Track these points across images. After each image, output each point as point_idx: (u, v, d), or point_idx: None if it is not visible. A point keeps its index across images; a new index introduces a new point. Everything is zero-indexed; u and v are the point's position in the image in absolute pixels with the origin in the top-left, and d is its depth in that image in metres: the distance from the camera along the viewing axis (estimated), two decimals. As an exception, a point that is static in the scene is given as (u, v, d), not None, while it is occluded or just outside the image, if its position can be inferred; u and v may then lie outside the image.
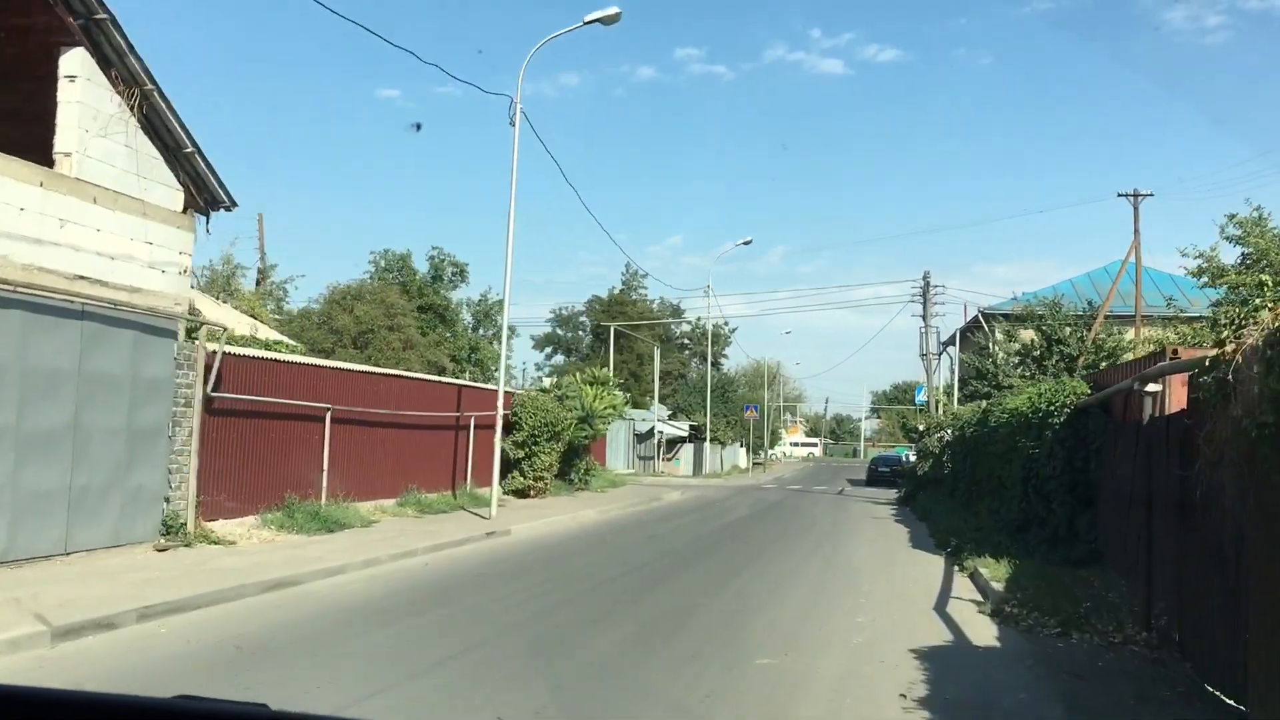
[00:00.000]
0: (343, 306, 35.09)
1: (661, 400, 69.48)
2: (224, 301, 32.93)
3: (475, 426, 21.86)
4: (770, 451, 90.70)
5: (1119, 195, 39.16)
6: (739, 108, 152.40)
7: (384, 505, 17.86)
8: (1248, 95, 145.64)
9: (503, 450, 23.64)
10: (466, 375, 40.89)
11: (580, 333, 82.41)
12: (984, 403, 24.76)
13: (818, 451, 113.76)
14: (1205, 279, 20.79)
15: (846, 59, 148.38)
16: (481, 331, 66.51)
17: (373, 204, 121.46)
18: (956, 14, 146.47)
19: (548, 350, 78.33)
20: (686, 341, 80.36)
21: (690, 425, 48.87)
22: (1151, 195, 38.99)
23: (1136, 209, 38.57)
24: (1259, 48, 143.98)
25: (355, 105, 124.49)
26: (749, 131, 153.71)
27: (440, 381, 20.93)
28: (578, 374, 30.94)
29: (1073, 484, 13.76)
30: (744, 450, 70.32)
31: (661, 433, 44.97)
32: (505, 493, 23.74)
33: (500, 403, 18.47)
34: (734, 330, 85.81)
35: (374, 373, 17.86)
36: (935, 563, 15.04)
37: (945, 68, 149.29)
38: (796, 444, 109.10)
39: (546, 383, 28.30)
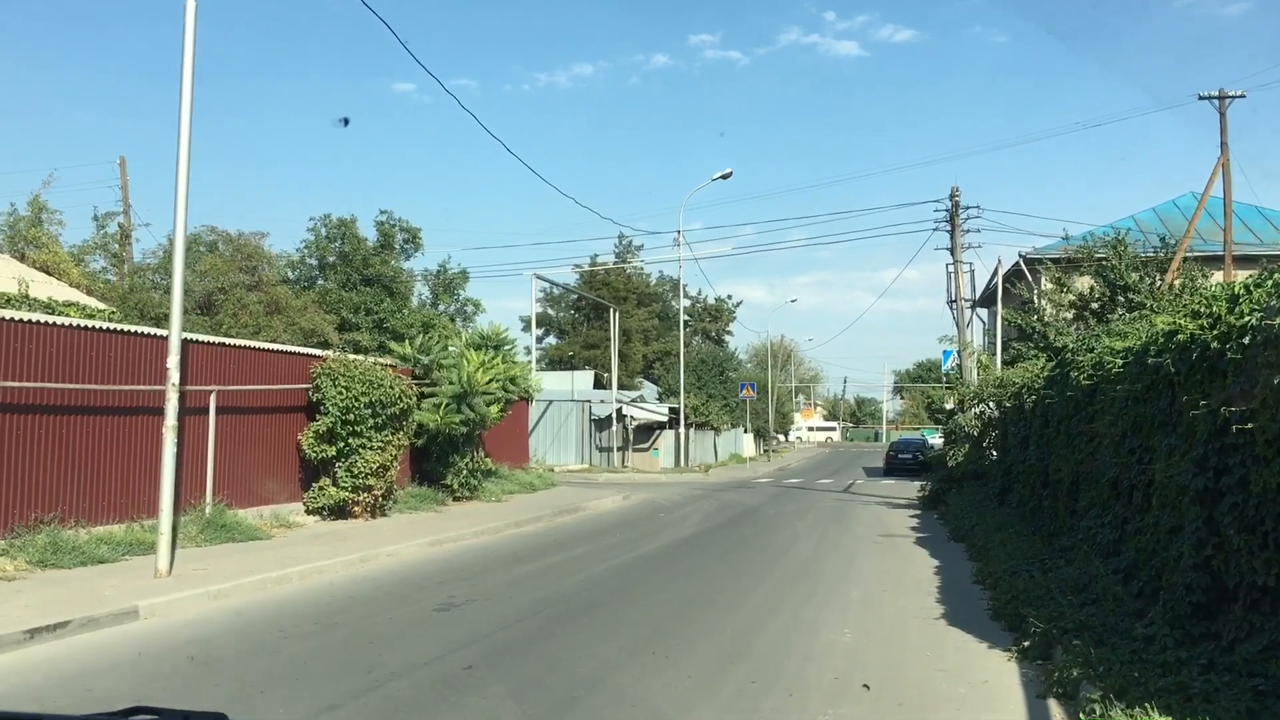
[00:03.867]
0: (187, 261, 26.68)
1: (654, 381, 60.81)
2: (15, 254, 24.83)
3: (222, 409, 13.55)
4: (783, 438, 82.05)
5: (1200, 98, 30.42)
6: (755, 92, 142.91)
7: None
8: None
9: (301, 447, 15.36)
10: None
11: (572, 311, 75.03)
12: (1057, 350, 16.04)
13: (836, 435, 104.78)
14: None
15: (861, 40, 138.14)
16: (441, 308, 58.70)
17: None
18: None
19: (538, 333, 70.34)
20: (688, 319, 71.96)
21: (670, 408, 40.23)
22: (1243, 96, 30.10)
23: (1223, 114, 29.64)
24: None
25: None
26: (765, 116, 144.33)
27: (125, 332, 12.52)
28: (460, 336, 22.55)
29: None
30: (749, 437, 61.75)
31: (630, 417, 36.32)
32: (311, 512, 15.43)
33: (174, 362, 10.05)
34: (738, 305, 77.26)
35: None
36: (1008, 698, 6.48)
37: (961, 45, 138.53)
38: (814, 428, 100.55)
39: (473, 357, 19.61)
